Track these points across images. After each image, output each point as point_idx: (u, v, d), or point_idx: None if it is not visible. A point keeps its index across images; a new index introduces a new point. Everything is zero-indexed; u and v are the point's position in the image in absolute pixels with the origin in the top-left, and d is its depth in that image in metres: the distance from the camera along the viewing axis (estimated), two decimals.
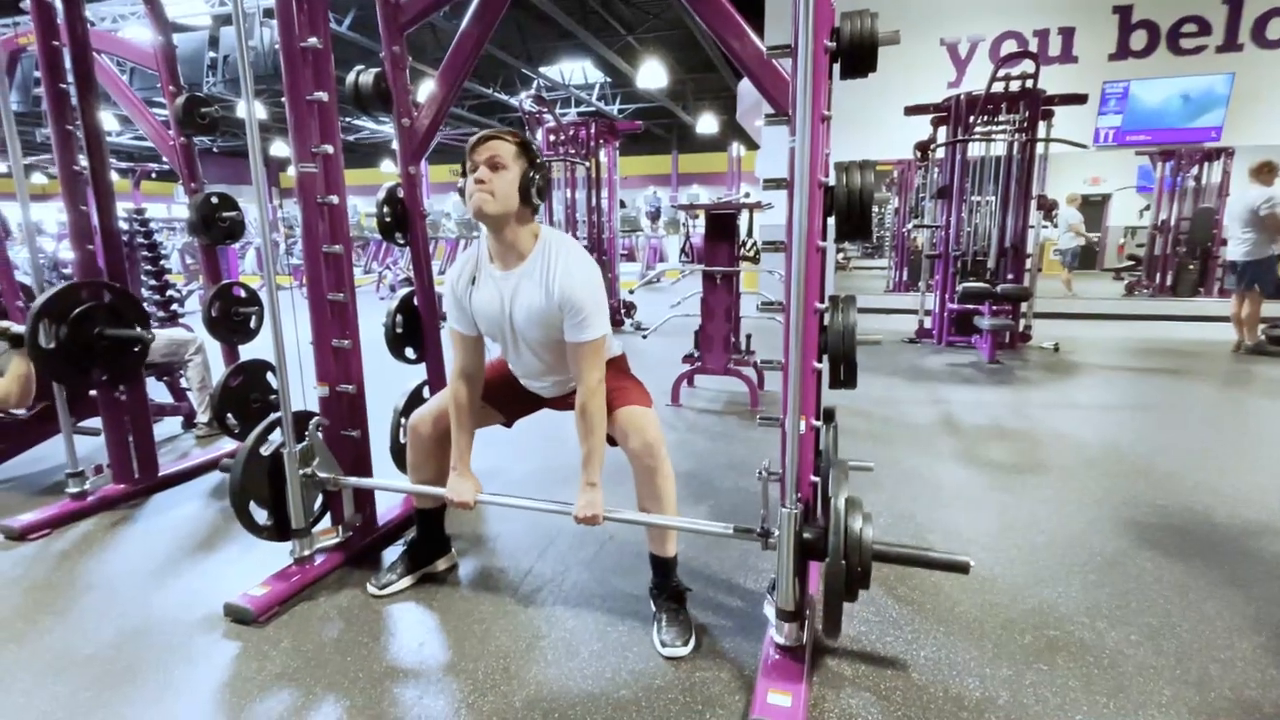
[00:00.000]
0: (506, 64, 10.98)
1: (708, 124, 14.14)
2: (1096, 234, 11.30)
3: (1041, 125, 5.20)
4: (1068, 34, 6.82)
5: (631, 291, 7.15)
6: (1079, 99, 5.31)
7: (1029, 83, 5.08)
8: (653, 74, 9.96)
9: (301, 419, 1.83)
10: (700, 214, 5.71)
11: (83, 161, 2.31)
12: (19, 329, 2.29)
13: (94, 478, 2.42)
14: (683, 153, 19.94)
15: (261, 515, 1.83)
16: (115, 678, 1.49)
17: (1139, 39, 6.68)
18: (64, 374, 2.22)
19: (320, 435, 1.85)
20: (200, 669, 1.52)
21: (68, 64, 2.26)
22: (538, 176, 1.53)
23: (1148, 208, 9.53)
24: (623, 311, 6.55)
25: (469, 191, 1.50)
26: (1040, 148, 5.26)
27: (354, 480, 1.90)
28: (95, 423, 2.56)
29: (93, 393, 2.45)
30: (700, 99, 15.52)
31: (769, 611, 1.50)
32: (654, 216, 13.89)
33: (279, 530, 1.85)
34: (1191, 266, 8.10)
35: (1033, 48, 6.75)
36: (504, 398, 1.81)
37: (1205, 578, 1.87)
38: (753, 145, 13.80)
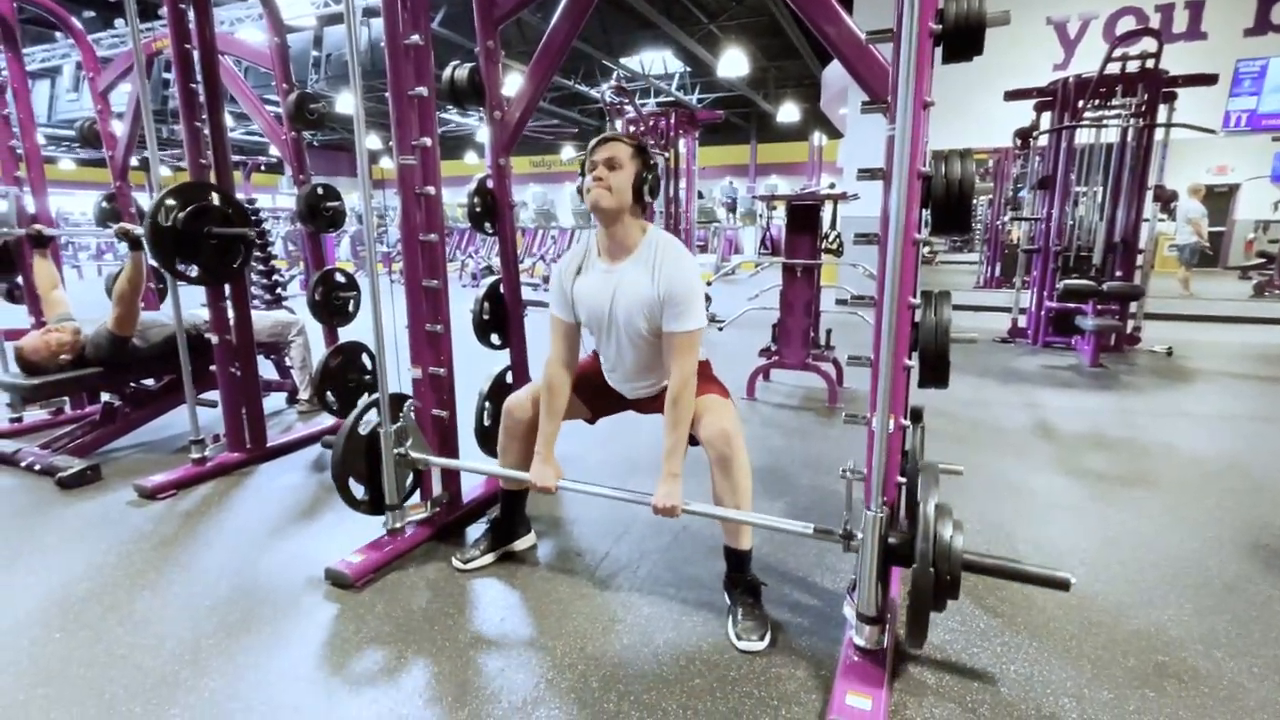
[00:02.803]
0: (588, 55, 11.09)
1: (789, 113, 13.80)
2: (1221, 228, 10.31)
3: (1162, 109, 4.77)
4: (1195, 8, 6.22)
5: (709, 284, 7.11)
6: (1208, 79, 4.82)
7: (1149, 63, 4.67)
8: (734, 62, 9.82)
9: (397, 401, 1.94)
10: (779, 205, 5.59)
11: (209, 154, 2.51)
12: (138, 230, 2.50)
13: (212, 445, 2.65)
14: (761, 142, 19.55)
15: (359, 490, 1.95)
16: (232, 628, 1.64)
17: None
18: (172, 261, 2.35)
19: (414, 417, 1.95)
20: (304, 626, 1.65)
21: (197, 66, 2.46)
22: (650, 177, 1.64)
23: None
24: None
25: (587, 187, 1.61)
26: (1160, 134, 4.83)
27: (442, 461, 1.99)
28: (213, 395, 2.79)
29: (212, 368, 2.68)
30: (781, 87, 15.16)
31: (848, 612, 1.47)
32: (730, 207, 13.72)
33: (374, 504, 1.97)
34: None
35: (1154, 24, 6.19)
36: (592, 394, 1.87)
37: None
38: (835, 134, 13.38)
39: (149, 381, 2.97)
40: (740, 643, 1.54)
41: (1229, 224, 11.51)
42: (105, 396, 2.93)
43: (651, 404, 1.82)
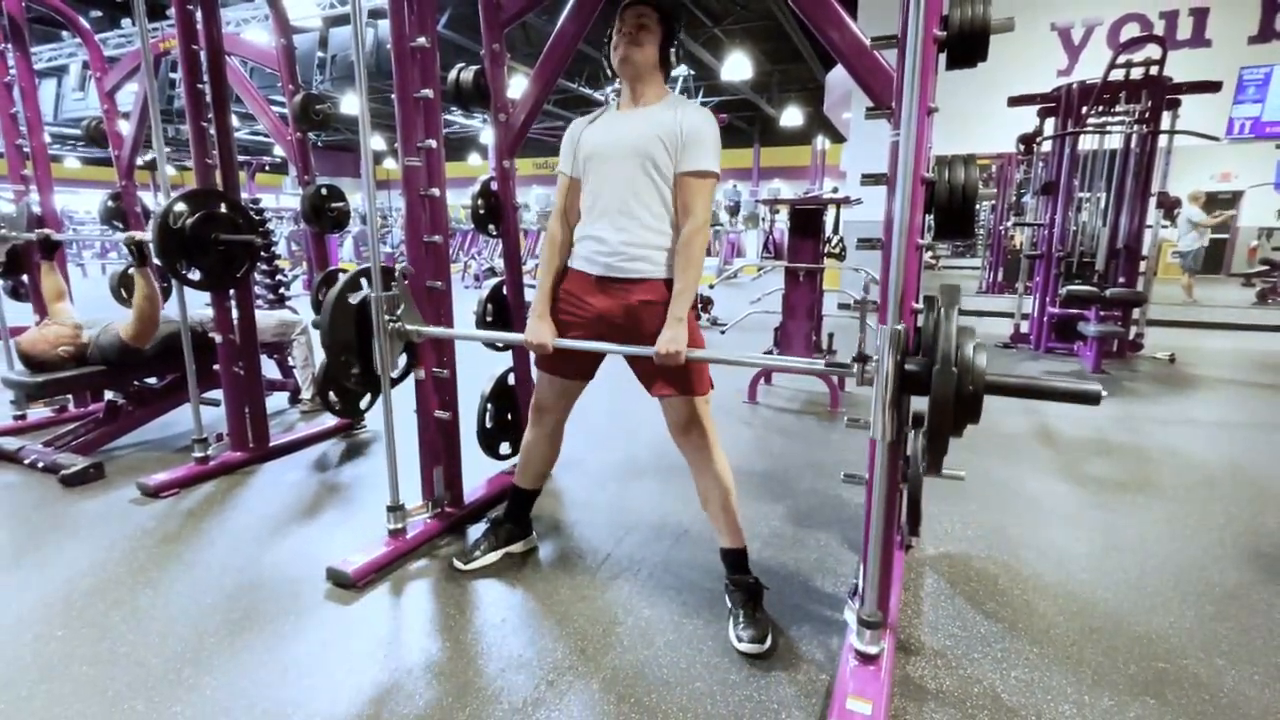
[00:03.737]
0: (593, 58, 11.11)
1: (792, 116, 13.82)
2: (1224, 234, 10.30)
3: (1166, 116, 4.78)
4: (1200, 15, 6.23)
5: (711, 286, 7.12)
6: (1212, 86, 4.82)
7: (1153, 69, 4.67)
8: (738, 66, 9.84)
9: (387, 272, 1.85)
10: (782, 209, 5.59)
11: (214, 154, 2.51)
12: (145, 236, 2.50)
13: (215, 444, 2.65)
14: (764, 146, 19.58)
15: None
16: (234, 626, 1.64)
17: None
18: (175, 264, 2.35)
19: (406, 285, 1.86)
20: (305, 624, 1.65)
21: (204, 66, 2.47)
22: (676, 43, 1.66)
23: None
24: (699, 306, 6.54)
25: (616, 44, 1.61)
26: (1163, 141, 4.83)
27: (436, 330, 1.89)
28: (216, 394, 2.80)
29: (215, 367, 2.69)
30: (785, 91, 15.17)
31: (849, 617, 1.47)
32: (733, 211, 13.74)
33: (365, 377, 1.90)
34: None
35: (1159, 31, 6.20)
36: (575, 357, 1.71)
37: None
38: (838, 138, 13.39)
39: (152, 380, 2.98)
40: (741, 646, 1.54)
41: (1232, 231, 11.50)
42: (109, 395, 2.93)
43: (634, 308, 1.60)
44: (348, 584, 1.80)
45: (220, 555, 1.99)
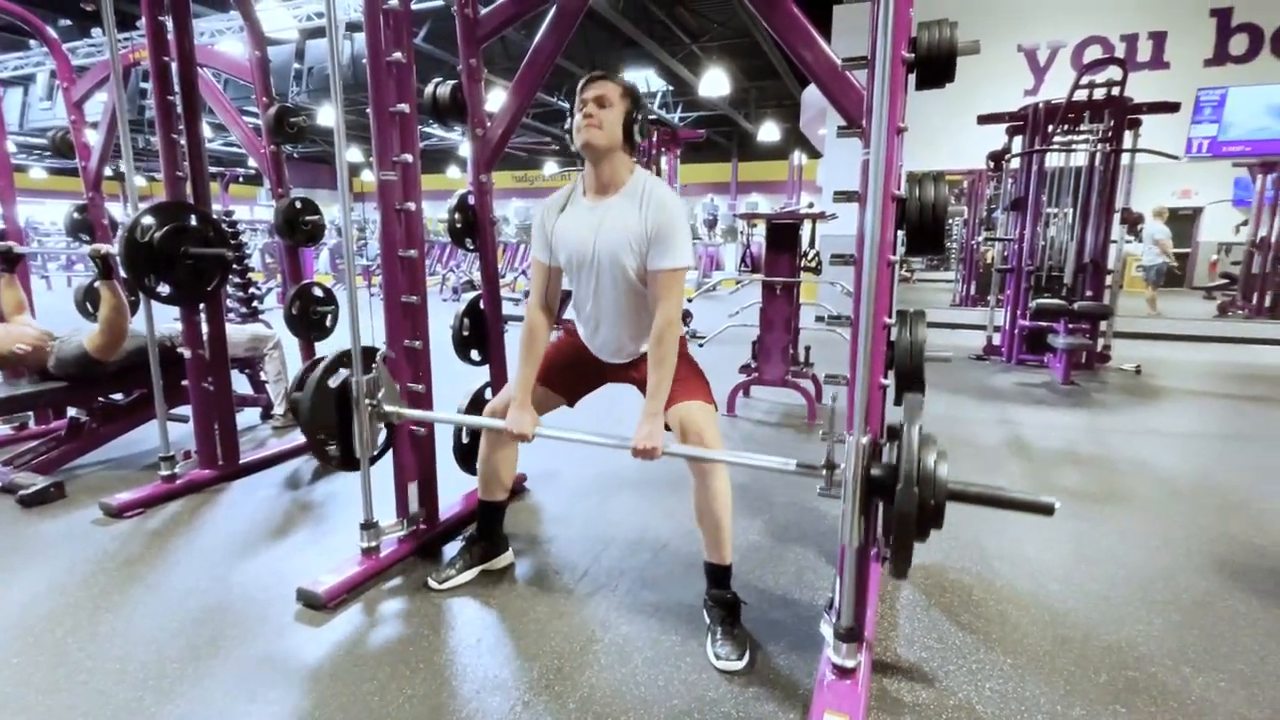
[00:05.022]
0: (571, 73, 11.18)
1: (769, 132, 14.02)
2: (1186, 249, 10.64)
3: (1128, 135, 4.94)
4: (1159, 38, 6.45)
5: (690, 300, 7.14)
6: (1170, 107, 5.01)
7: (1115, 90, 4.83)
8: (715, 82, 9.96)
9: (369, 353, 1.86)
10: (759, 223, 5.66)
11: (185, 166, 2.47)
12: (109, 248, 2.45)
13: (183, 462, 2.59)
14: (742, 161, 19.82)
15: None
16: (199, 651, 1.59)
17: (1239, 43, 6.25)
18: (143, 278, 2.30)
19: (385, 368, 1.87)
20: (274, 647, 1.61)
21: (175, 78, 2.43)
22: (640, 117, 1.62)
23: (1245, 223, 8.89)
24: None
25: (577, 126, 1.58)
26: (1125, 159, 4.99)
27: (415, 413, 1.90)
28: (185, 410, 2.73)
29: (184, 383, 2.62)
30: (762, 107, 15.39)
31: (826, 631, 1.47)
32: (711, 224, 13.86)
33: (345, 459, 1.92)
34: None
35: (1119, 53, 6.41)
36: (566, 378, 1.82)
37: None
38: (815, 154, 13.61)
39: (117, 396, 2.90)
40: (719, 662, 1.54)
41: (1193, 246, 11.87)
42: (71, 411, 2.85)
43: (628, 372, 1.78)
44: (319, 605, 1.76)
45: (186, 577, 1.93)
